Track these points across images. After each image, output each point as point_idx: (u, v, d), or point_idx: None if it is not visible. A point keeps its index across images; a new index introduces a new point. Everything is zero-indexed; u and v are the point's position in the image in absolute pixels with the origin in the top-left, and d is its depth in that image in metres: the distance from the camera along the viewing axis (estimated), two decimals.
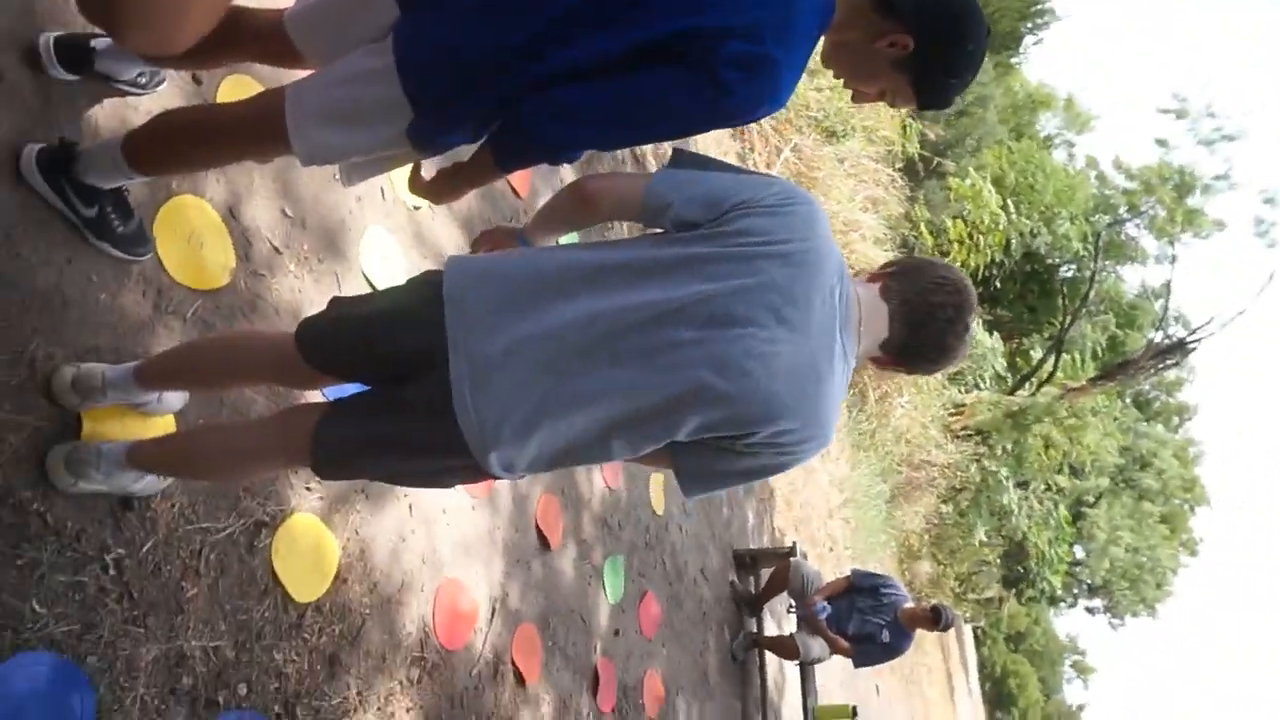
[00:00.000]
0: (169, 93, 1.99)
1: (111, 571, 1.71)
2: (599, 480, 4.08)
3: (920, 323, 1.56)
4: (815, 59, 1.61)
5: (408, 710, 2.50)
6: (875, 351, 1.60)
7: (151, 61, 1.79)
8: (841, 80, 1.62)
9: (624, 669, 3.98)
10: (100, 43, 1.78)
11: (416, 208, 2.98)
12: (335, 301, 1.62)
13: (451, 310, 1.40)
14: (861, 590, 5.74)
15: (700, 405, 1.40)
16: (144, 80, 1.90)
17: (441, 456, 1.48)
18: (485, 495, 3.10)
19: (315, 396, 2.13)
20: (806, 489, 8.55)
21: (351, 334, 1.54)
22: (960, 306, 1.57)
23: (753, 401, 1.41)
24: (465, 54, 1.46)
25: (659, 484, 4.81)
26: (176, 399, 1.89)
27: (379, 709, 2.39)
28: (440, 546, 2.79)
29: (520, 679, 3.10)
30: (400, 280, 1.60)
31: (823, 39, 1.55)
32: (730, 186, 1.48)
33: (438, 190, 1.67)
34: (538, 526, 3.43)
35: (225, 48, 1.70)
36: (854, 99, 1.66)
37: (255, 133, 1.63)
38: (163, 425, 1.89)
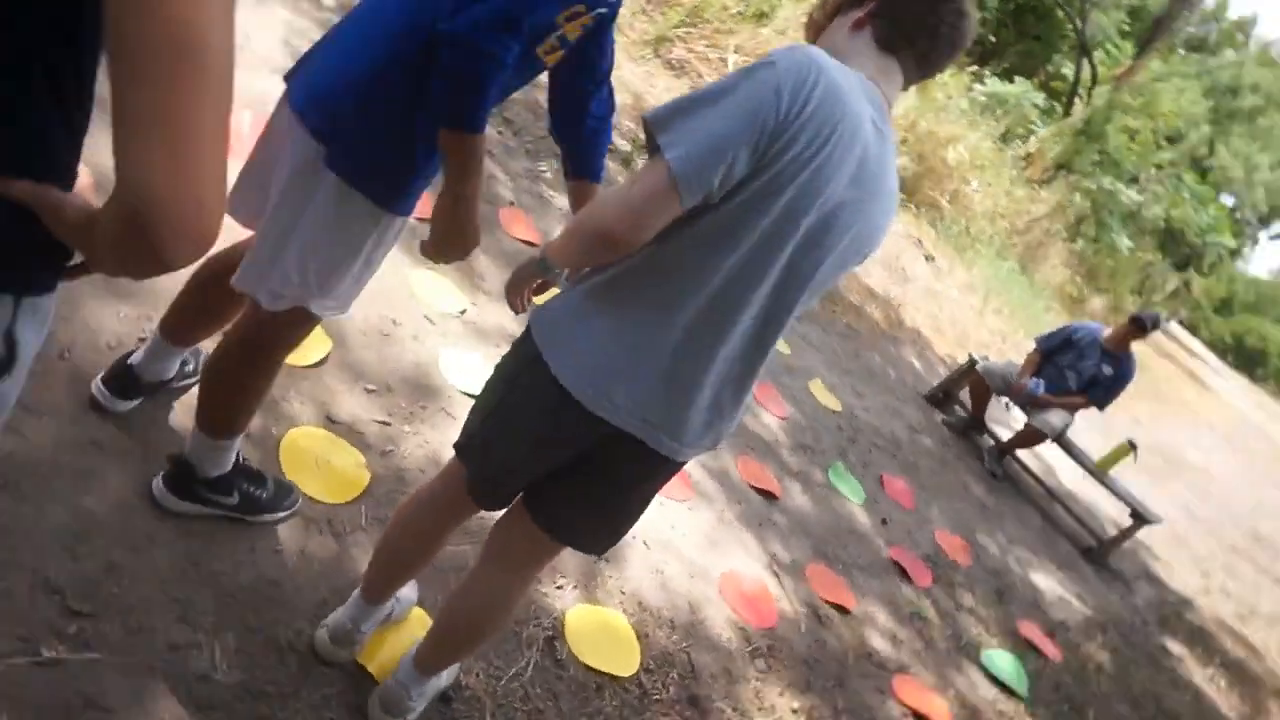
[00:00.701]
0: None
1: None
2: (771, 419, 4.02)
3: (928, 54, 1.41)
4: None
5: (780, 694, 2.49)
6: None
7: (175, 337, 1.84)
8: None
9: (915, 544, 3.90)
10: (135, 357, 1.85)
11: (463, 311, 3.00)
12: (467, 451, 1.52)
13: (602, 411, 1.33)
14: (1055, 350, 5.53)
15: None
16: (190, 367, 1.96)
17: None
18: (691, 494, 3.08)
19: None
20: (944, 310, 8.32)
21: (512, 478, 1.50)
22: (962, 9, 1.39)
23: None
24: (353, 62, 1.45)
25: (819, 387, 4.73)
26: (408, 590, 1.91)
27: (761, 709, 2.38)
28: (693, 556, 2.78)
29: (843, 610, 3.06)
30: (486, 374, 1.52)
31: None
32: (748, 124, 1.20)
33: (444, 227, 1.50)
34: (753, 487, 3.39)
35: (224, 302, 1.76)
36: None
37: (273, 325, 1.63)
38: (417, 618, 1.92)
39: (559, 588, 2.30)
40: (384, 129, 1.46)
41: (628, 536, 2.59)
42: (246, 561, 1.79)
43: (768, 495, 3.42)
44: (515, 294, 1.46)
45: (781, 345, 4.89)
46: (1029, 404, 5.42)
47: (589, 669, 2.12)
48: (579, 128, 1.72)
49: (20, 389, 0.88)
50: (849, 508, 3.81)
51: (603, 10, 1.47)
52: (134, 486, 1.76)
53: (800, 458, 3.91)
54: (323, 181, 1.48)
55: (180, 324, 1.84)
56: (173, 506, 1.76)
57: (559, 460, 1.44)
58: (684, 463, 1.45)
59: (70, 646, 1.47)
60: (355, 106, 1.45)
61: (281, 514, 1.90)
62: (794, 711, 2.46)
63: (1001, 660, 3.45)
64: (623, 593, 2.44)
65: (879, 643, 3.05)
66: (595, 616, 2.29)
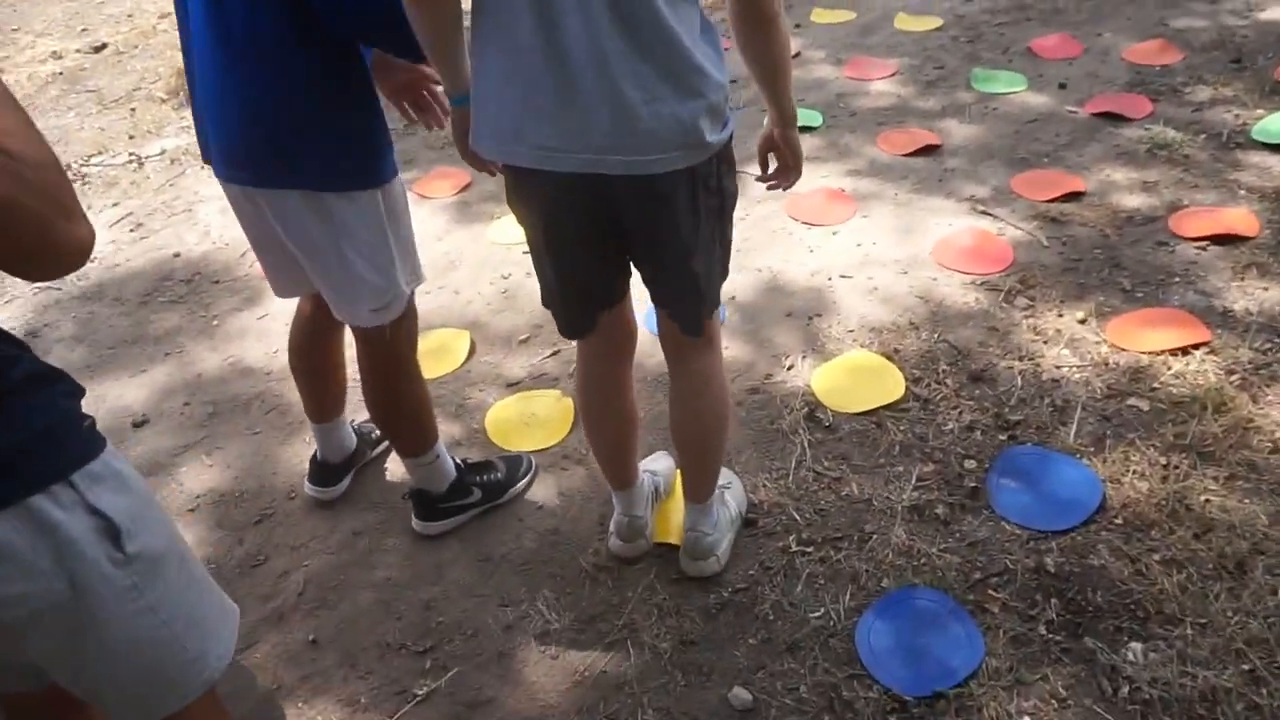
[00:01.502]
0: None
1: (797, 547, 1.76)
2: (881, 84, 3.65)
3: None
4: None
5: (1059, 315, 2.29)
6: None
7: (321, 416, 1.93)
8: None
9: (1110, 83, 3.42)
10: (317, 452, 1.99)
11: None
12: (545, 299, 1.54)
13: (551, 164, 1.26)
14: None
15: None
16: (373, 437, 2.09)
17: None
18: (853, 204, 2.87)
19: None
20: None
21: (574, 292, 1.49)
22: None
23: None
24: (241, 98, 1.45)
25: (906, 19, 4.21)
26: (660, 461, 1.94)
27: (1047, 340, 2.21)
28: (892, 255, 2.59)
29: (1076, 196, 2.76)
30: (524, 231, 1.46)
31: None
32: None
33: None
34: (908, 155, 3.10)
35: (324, 369, 1.91)
36: None
37: (383, 337, 1.67)
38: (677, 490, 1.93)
39: (789, 368, 2.24)
40: (310, 128, 1.43)
41: (823, 281, 2.52)
42: (522, 531, 1.89)
43: (928, 150, 3.12)
44: (462, 149, 1.43)
45: (844, 13, 4.40)
46: None
47: (859, 415, 2.06)
48: None
49: (181, 548, 0.94)
50: (1016, 100, 3.39)
51: None
52: (404, 539, 1.91)
53: (936, 94, 3.52)
54: (321, 206, 1.49)
55: (314, 406, 1.93)
56: (435, 530, 1.89)
57: (594, 250, 1.40)
58: (693, 177, 1.28)
59: (433, 676, 1.63)
60: (276, 132, 1.43)
61: (523, 481, 1.98)
62: (1081, 322, 2.26)
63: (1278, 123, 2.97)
64: (849, 331, 2.34)
65: (1134, 199, 2.72)
66: (838, 367, 2.22)
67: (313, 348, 1.84)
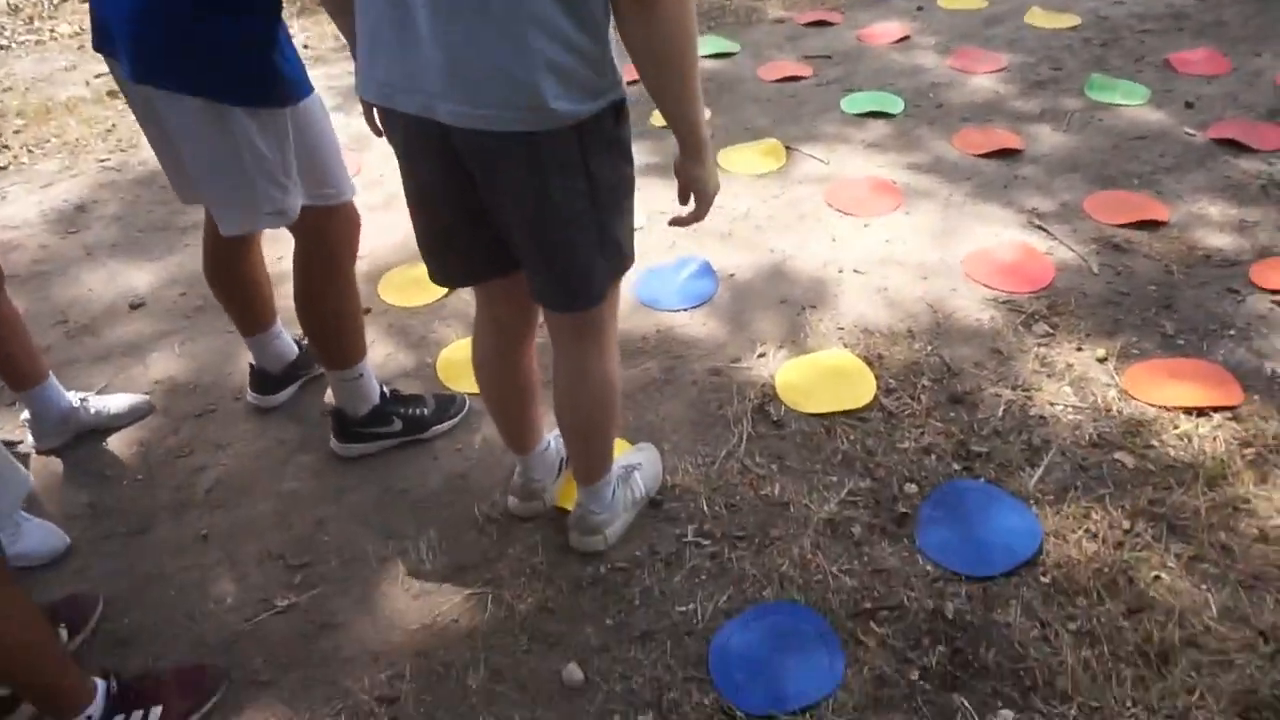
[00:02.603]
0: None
1: (702, 543, 1.64)
2: (982, 79, 3.35)
3: None
4: None
5: (1078, 348, 2.03)
6: None
7: (251, 329, 1.95)
8: None
9: (1246, 108, 3.00)
10: (254, 359, 2.01)
11: None
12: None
13: (386, 100, 1.19)
14: None
15: None
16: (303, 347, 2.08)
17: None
18: (900, 198, 2.64)
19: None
20: None
21: (435, 242, 1.36)
22: None
23: None
24: None
25: (1038, 14, 3.84)
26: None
27: (1053, 374, 1.96)
28: (920, 258, 2.38)
29: (1152, 225, 2.44)
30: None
31: None
32: None
33: None
34: (981, 155, 2.83)
35: (244, 279, 1.90)
36: None
37: (314, 240, 1.67)
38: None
39: (760, 356, 2.09)
40: (208, 29, 1.37)
41: (833, 273, 2.34)
42: (432, 469, 1.86)
43: (1004, 154, 2.84)
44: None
45: (974, 0, 4.06)
46: None
47: (813, 416, 1.90)
48: None
49: None
50: (1128, 115, 3.04)
51: None
52: (319, 456, 1.91)
53: (1039, 97, 3.20)
54: (220, 116, 1.43)
55: (237, 318, 1.94)
56: (349, 453, 1.88)
57: (452, 202, 1.28)
58: (537, 149, 1.14)
59: (298, 591, 1.63)
60: (170, 27, 1.37)
61: (449, 422, 1.94)
62: (1100, 360, 1.99)
63: None
64: (839, 329, 2.16)
65: (1220, 239, 2.38)
66: (810, 364, 2.05)
67: (227, 258, 1.83)
